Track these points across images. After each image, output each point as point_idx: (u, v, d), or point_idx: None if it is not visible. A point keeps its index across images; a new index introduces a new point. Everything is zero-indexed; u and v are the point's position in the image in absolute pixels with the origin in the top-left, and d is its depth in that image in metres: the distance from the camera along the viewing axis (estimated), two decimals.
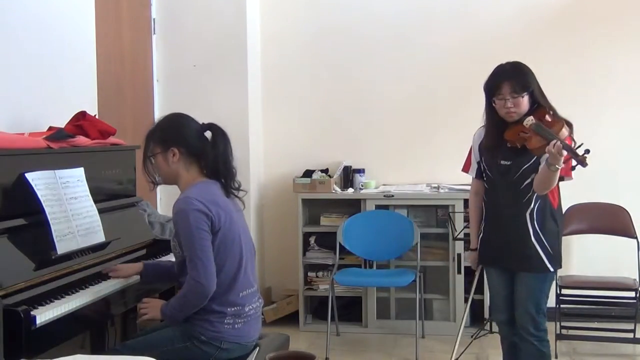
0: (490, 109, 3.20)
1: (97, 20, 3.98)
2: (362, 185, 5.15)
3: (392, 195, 4.93)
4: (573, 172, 3.02)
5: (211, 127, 2.83)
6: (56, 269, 2.69)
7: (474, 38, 5.18)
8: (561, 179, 3.06)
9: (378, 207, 4.96)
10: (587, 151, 2.85)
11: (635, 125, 5.05)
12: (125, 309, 3.18)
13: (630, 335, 4.43)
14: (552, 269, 3.19)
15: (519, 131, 3.09)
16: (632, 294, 4.43)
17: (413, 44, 5.27)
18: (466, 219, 4.74)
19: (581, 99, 5.02)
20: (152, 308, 2.81)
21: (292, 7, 5.40)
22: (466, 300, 4.86)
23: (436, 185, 5.07)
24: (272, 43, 5.40)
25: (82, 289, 2.72)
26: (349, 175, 5.21)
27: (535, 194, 3.12)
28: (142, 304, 2.84)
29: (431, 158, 5.27)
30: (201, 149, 2.79)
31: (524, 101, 3.10)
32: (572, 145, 2.95)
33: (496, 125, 3.18)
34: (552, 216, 3.18)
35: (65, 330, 2.57)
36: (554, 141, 2.89)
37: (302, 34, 5.39)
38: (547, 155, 2.93)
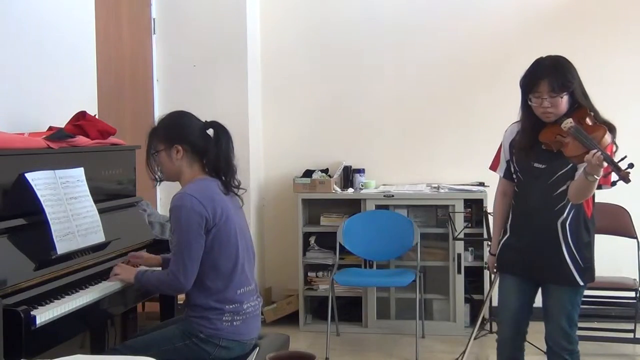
0: (525, 107, 2.92)
1: (97, 20, 3.98)
2: (362, 185, 5.15)
3: (392, 195, 4.93)
4: (613, 186, 2.75)
5: (213, 124, 2.85)
6: (56, 269, 2.69)
7: (474, 38, 5.18)
8: (598, 187, 2.79)
9: (378, 207, 4.96)
10: (631, 165, 2.59)
11: (635, 125, 5.05)
12: (125, 309, 3.19)
13: (630, 335, 4.43)
14: (582, 283, 2.94)
15: (555, 133, 2.81)
16: (632, 294, 4.43)
17: (414, 44, 5.27)
18: (466, 219, 4.77)
19: None
20: (126, 271, 2.88)
21: (292, 7, 5.40)
22: (467, 301, 4.88)
23: (436, 185, 5.07)
24: (272, 43, 5.40)
25: (82, 289, 2.72)
26: (349, 175, 5.21)
27: (570, 202, 2.87)
28: (117, 267, 2.91)
29: (431, 158, 5.28)
30: (204, 146, 2.81)
31: (563, 101, 2.82)
32: (614, 151, 2.73)
33: (532, 124, 2.91)
34: (585, 226, 2.93)
35: (65, 330, 2.57)
36: (595, 150, 2.62)
37: (302, 33, 5.40)
38: (585, 163, 2.67)
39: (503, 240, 3.10)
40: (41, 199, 2.71)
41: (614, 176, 2.67)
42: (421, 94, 5.28)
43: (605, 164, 2.61)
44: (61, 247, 2.72)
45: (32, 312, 2.35)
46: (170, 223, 2.74)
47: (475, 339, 4.37)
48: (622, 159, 2.63)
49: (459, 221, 4.65)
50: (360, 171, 5.22)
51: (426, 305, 4.96)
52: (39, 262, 2.62)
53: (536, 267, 2.98)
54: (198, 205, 2.67)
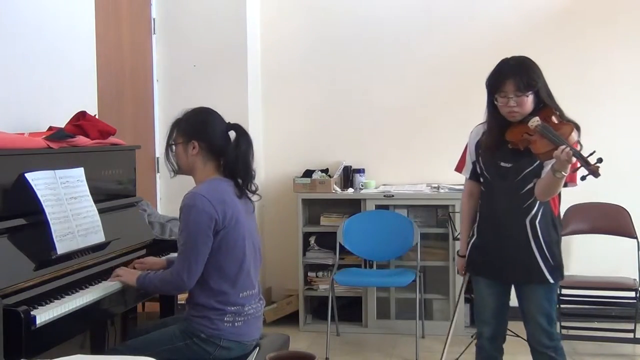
0: (491, 107, 2.97)
1: (97, 20, 3.98)
2: (362, 185, 5.15)
3: (392, 195, 4.93)
4: (582, 181, 2.74)
5: (235, 127, 2.86)
6: (56, 269, 2.69)
7: (473, 39, 5.18)
8: (564, 185, 2.84)
9: (378, 207, 4.96)
10: (600, 160, 2.64)
11: (635, 125, 5.05)
12: (125, 309, 3.19)
13: (630, 335, 4.43)
14: (552, 281, 2.96)
15: (522, 132, 2.85)
16: (632, 294, 4.43)
17: (413, 45, 5.27)
18: None
19: (581, 100, 5.02)
20: (128, 274, 2.88)
21: (292, 7, 5.40)
22: (467, 301, 4.87)
23: (436, 185, 5.07)
24: (272, 43, 5.40)
25: (82, 289, 2.71)
26: (349, 175, 5.21)
27: (537, 200, 2.91)
28: (119, 269, 2.91)
29: (431, 158, 5.27)
30: (222, 147, 2.82)
31: (529, 100, 2.86)
32: (579, 150, 2.74)
33: (498, 124, 2.95)
34: (553, 224, 2.97)
35: (65, 330, 2.57)
36: (563, 147, 2.66)
37: (302, 34, 5.40)
38: (552, 160, 2.73)
39: (472, 241, 3.13)
40: (41, 199, 2.70)
41: (581, 172, 2.70)
42: (421, 94, 5.28)
43: (574, 160, 2.65)
44: (61, 247, 2.72)
45: (32, 312, 2.35)
46: (179, 221, 2.73)
47: (475, 338, 4.36)
48: (591, 154, 2.67)
49: (459, 221, 4.64)
50: (360, 171, 5.22)
51: (426, 305, 4.96)
52: (39, 262, 2.62)
53: (507, 267, 3.00)
54: (209, 207, 2.67)
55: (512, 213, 2.96)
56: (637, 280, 4.43)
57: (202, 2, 5.13)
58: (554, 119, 2.85)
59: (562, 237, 4.62)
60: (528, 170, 2.91)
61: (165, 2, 5.11)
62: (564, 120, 2.88)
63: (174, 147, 2.84)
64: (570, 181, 2.86)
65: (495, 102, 2.93)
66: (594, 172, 2.64)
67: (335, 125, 5.38)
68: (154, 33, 5.07)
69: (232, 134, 2.85)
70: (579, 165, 2.69)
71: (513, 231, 2.96)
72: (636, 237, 4.55)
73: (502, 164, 2.96)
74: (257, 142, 5.31)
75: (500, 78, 2.89)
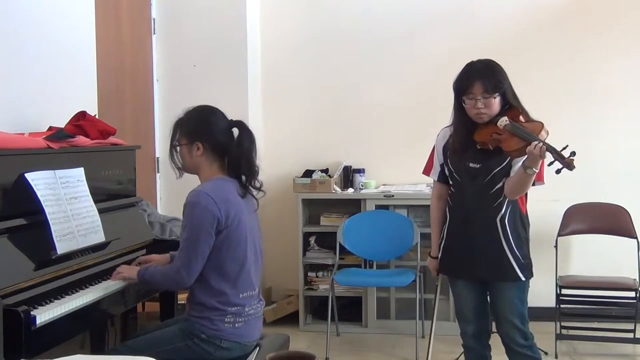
0: (459, 109, 3.02)
1: (97, 20, 3.98)
2: (362, 185, 5.14)
3: (392, 195, 4.93)
4: (557, 174, 2.77)
5: (238, 124, 2.87)
6: (56, 269, 2.69)
7: (473, 39, 5.17)
8: (532, 183, 2.89)
9: (378, 207, 4.96)
10: (573, 153, 2.68)
11: (635, 125, 5.05)
12: (125, 309, 3.19)
13: (630, 335, 4.42)
14: (523, 279, 2.99)
15: (491, 132, 2.91)
16: (632, 294, 4.43)
17: (413, 45, 5.26)
18: None
19: (581, 100, 5.02)
20: (129, 269, 2.89)
21: (292, 7, 5.40)
22: None
23: None
24: (272, 43, 5.40)
25: (82, 289, 2.72)
26: (349, 175, 5.21)
27: (507, 199, 2.95)
28: (120, 267, 2.92)
29: None
30: (226, 146, 2.82)
31: (496, 102, 2.92)
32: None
33: (465, 125, 3.00)
34: (521, 222, 3.02)
35: (65, 330, 2.57)
36: (536, 142, 2.73)
37: (302, 34, 5.40)
38: (522, 158, 2.80)
39: (443, 243, 3.16)
40: (41, 199, 2.71)
41: (556, 166, 2.73)
42: (421, 94, 5.27)
43: (548, 154, 2.70)
44: (61, 247, 2.72)
45: (32, 312, 2.35)
46: (183, 218, 2.74)
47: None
48: (564, 148, 2.71)
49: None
50: (360, 171, 5.22)
51: (426, 305, 4.96)
52: (39, 262, 2.62)
53: (479, 266, 3.03)
54: (213, 205, 2.67)
55: (482, 213, 3.01)
56: (637, 280, 4.43)
57: (202, 2, 5.13)
58: (521, 118, 2.91)
59: (562, 237, 4.70)
60: (497, 169, 2.96)
61: (165, 2, 5.11)
62: (531, 119, 2.94)
63: (177, 148, 2.84)
64: (538, 180, 2.91)
65: (463, 104, 2.98)
66: (569, 165, 2.68)
67: (335, 125, 5.38)
68: (154, 33, 5.07)
69: (235, 131, 2.85)
70: (552, 159, 2.73)
71: (484, 230, 3.01)
72: (636, 237, 4.55)
73: (471, 164, 3.01)
74: (257, 142, 5.28)
75: (468, 80, 2.94)
